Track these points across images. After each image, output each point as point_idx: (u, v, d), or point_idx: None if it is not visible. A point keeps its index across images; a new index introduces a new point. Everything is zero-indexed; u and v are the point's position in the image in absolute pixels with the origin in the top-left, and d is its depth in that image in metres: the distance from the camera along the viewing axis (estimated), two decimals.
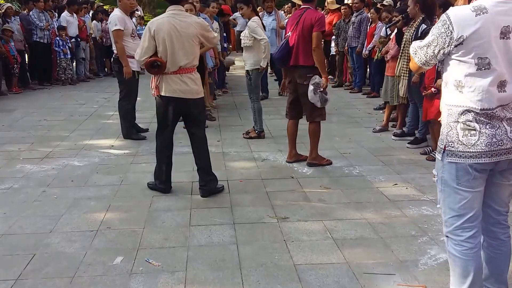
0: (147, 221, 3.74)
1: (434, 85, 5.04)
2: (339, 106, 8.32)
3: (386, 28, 6.95)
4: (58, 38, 10.54)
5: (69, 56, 10.78)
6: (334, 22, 10.39)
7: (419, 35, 5.39)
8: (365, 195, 4.32)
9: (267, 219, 3.78)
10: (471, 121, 2.18)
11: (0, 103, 8.59)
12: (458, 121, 2.22)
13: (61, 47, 10.56)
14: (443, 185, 2.35)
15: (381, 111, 7.50)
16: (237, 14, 16.88)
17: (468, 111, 2.18)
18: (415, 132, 6.03)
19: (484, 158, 2.19)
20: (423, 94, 5.27)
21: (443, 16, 2.16)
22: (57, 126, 6.91)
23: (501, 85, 2.16)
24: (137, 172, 4.92)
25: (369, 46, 8.48)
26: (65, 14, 11.08)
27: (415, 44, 2.35)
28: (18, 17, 10.19)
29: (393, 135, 6.25)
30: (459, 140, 2.21)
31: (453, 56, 2.18)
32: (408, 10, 5.62)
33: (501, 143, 2.17)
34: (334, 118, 7.37)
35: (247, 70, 6.15)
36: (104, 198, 4.21)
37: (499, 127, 2.17)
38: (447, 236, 2.42)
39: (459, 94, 2.20)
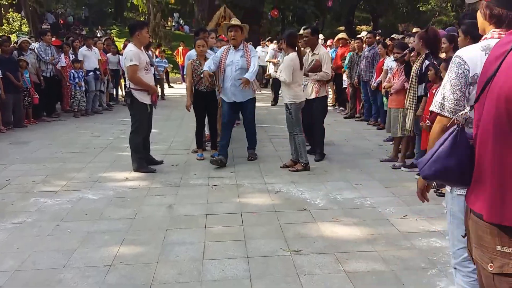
0: (160, 255, 3.76)
1: (429, 117, 5.20)
2: (351, 137, 8.37)
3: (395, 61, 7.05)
4: (73, 71, 10.79)
5: (83, 89, 11.02)
6: (344, 55, 10.64)
7: (423, 70, 5.53)
8: (376, 227, 4.33)
9: (280, 252, 3.78)
10: None
11: (15, 135, 8.74)
12: None
13: (76, 80, 10.79)
14: (452, 217, 2.39)
15: (390, 143, 7.53)
16: (259, 48, 17.35)
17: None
18: None
19: None
20: (420, 124, 5.54)
21: (456, 59, 2.18)
22: (72, 158, 6.99)
23: None
24: (151, 205, 4.95)
25: (378, 79, 8.58)
26: (83, 48, 11.43)
27: (437, 102, 2.26)
28: (33, 50, 10.45)
29: (392, 168, 6.36)
30: None
31: (466, 95, 2.21)
32: (414, 46, 5.81)
33: None
34: (346, 149, 7.42)
35: (286, 104, 6.21)
36: (118, 232, 4.23)
37: None
38: (455, 268, 2.46)
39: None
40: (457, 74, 2.16)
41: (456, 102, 2.18)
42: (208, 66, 6.44)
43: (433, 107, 2.27)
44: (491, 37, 2.15)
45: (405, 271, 3.47)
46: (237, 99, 6.51)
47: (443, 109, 2.21)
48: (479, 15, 2.24)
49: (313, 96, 6.72)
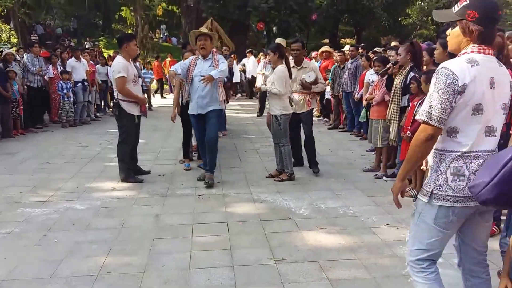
0: (147, 264, 3.81)
1: (409, 129, 5.36)
2: (334, 148, 8.50)
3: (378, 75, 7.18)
4: (61, 82, 10.83)
5: (71, 99, 11.06)
6: (328, 68, 10.95)
7: (407, 82, 5.70)
8: (358, 235, 4.43)
9: (265, 261, 3.85)
10: (461, 167, 2.32)
11: (3, 146, 8.73)
12: (449, 166, 2.34)
13: (65, 91, 10.84)
14: (421, 221, 2.47)
15: (373, 153, 7.66)
16: (245, 60, 17.58)
17: (461, 156, 2.33)
18: None
19: (470, 202, 2.33)
20: (401, 135, 5.68)
21: (443, 70, 2.28)
22: (59, 168, 7.01)
23: (490, 130, 2.35)
24: (138, 215, 5.00)
25: (361, 91, 8.74)
26: (72, 60, 11.52)
27: (424, 111, 2.33)
28: (19, 62, 10.48)
29: (375, 177, 6.50)
30: (448, 185, 2.33)
31: (453, 105, 2.30)
32: (398, 58, 5.97)
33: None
34: (329, 160, 7.55)
35: (275, 115, 6.25)
36: (105, 242, 4.27)
37: (480, 172, 2.32)
38: (410, 265, 2.57)
39: (451, 140, 2.34)
40: (445, 84, 2.25)
41: (443, 112, 2.26)
42: (175, 68, 6.26)
43: (420, 116, 2.33)
44: (471, 51, 2.32)
45: (386, 278, 3.56)
46: (203, 111, 6.09)
47: (430, 118, 2.28)
48: (455, 32, 2.39)
49: (305, 109, 6.68)
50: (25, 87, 10.35)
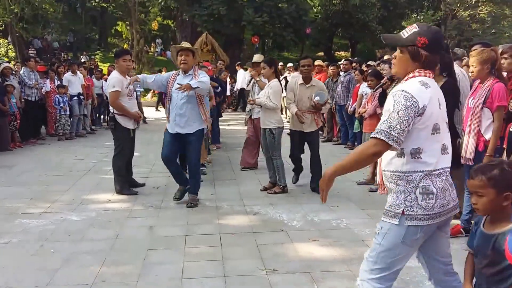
0: (141, 274, 3.88)
1: None
2: (328, 161, 8.56)
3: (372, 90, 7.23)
4: (58, 95, 10.95)
5: (68, 113, 11.17)
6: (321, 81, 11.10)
7: None
8: (351, 247, 4.48)
9: (257, 272, 3.93)
10: (429, 185, 2.41)
11: (1, 159, 8.79)
12: (418, 186, 2.42)
13: (61, 104, 10.95)
14: (384, 240, 2.50)
15: (367, 166, 7.74)
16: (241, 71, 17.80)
17: (427, 175, 2.41)
18: None
19: (438, 218, 2.44)
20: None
21: (401, 92, 2.37)
22: (56, 181, 7.08)
23: (444, 148, 2.49)
24: (133, 226, 5.08)
25: (354, 104, 8.87)
26: (68, 74, 11.65)
27: (382, 130, 2.36)
28: (16, 76, 10.59)
29: (369, 191, 6.59)
30: (419, 204, 2.40)
31: (413, 126, 2.38)
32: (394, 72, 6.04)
33: (448, 203, 2.45)
34: (323, 173, 7.59)
35: (270, 129, 6.32)
36: (100, 252, 4.34)
37: (446, 189, 2.46)
38: (367, 282, 2.57)
39: (416, 161, 2.42)
40: (405, 106, 2.33)
41: (401, 133, 2.33)
42: (144, 75, 6.02)
43: (378, 135, 2.36)
44: (419, 75, 2.46)
45: None
46: (182, 131, 5.72)
47: (389, 138, 2.33)
48: (404, 57, 2.51)
49: (313, 128, 6.49)
50: (23, 100, 10.45)
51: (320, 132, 11.72)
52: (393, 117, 2.34)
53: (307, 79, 6.38)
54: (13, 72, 10.53)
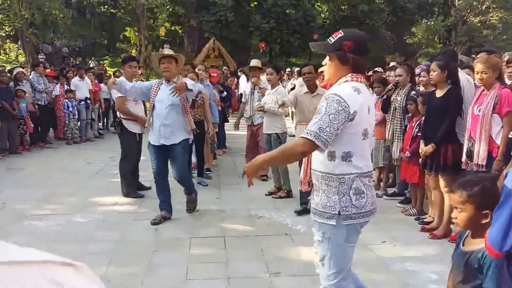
0: (146, 275, 3.95)
1: (408, 149, 5.52)
2: None
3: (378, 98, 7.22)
4: (67, 100, 11.08)
5: (76, 117, 11.29)
6: (327, 88, 11.10)
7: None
8: (354, 251, 4.52)
9: (260, 274, 3.98)
10: (361, 186, 2.54)
11: (10, 161, 8.92)
12: (351, 187, 2.53)
13: (70, 109, 11.08)
14: (331, 244, 2.59)
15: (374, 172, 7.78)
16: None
17: (358, 177, 2.53)
18: (405, 192, 6.30)
19: (369, 216, 2.60)
20: (400, 155, 5.79)
21: (334, 97, 2.45)
22: (63, 184, 7.17)
23: (370, 151, 2.68)
24: (138, 229, 5.15)
25: None
26: (76, 78, 11.77)
27: (312, 131, 2.43)
28: (28, 81, 10.75)
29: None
30: (353, 204, 2.53)
31: (344, 130, 2.48)
32: (399, 79, 6.08)
33: (374, 201, 2.63)
34: None
35: (276, 134, 6.39)
36: (106, 253, 4.42)
37: (372, 188, 2.65)
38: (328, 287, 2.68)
39: (347, 164, 2.53)
40: (337, 111, 2.41)
41: (330, 135, 2.41)
42: (123, 80, 5.53)
43: (308, 135, 2.43)
44: (352, 79, 2.54)
45: None
46: (167, 142, 5.30)
47: (318, 139, 2.40)
48: (333, 62, 2.61)
49: None
50: (36, 107, 10.60)
51: None
52: (324, 120, 2.42)
53: (311, 87, 5.95)
54: (25, 77, 10.69)
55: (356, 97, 2.47)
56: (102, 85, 13.02)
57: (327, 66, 2.67)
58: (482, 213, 2.06)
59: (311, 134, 2.42)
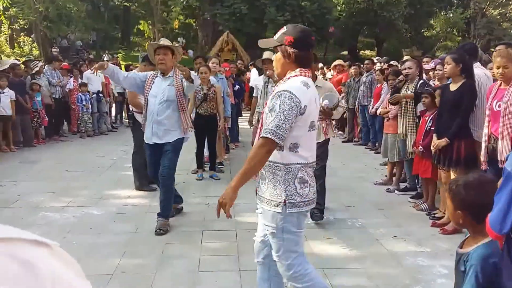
0: (159, 266, 4.02)
1: (421, 143, 5.50)
2: (347, 161, 8.61)
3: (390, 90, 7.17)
4: (80, 94, 11.18)
5: (90, 111, 11.39)
6: (343, 81, 11.06)
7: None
8: (365, 246, 4.55)
9: None
10: (305, 176, 2.64)
11: (24, 155, 9.04)
12: (296, 177, 2.61)
13: (84, 102, 11.18)
14: (285, 233, 2.66)
15: (386, 167, 7.74)
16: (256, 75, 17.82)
17: (303, 167, 2.62)
18: (417, 187, 6.28)
19: (311, 204, 2.70)
20: (413, 150, 5.76)
21: (286, 93, 2.52)
22: (78, 176, 7.26)
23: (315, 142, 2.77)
24: (151, 221, 5.16)
25: (376, 104, 8.81)
26: (88, 71, 11.82)
27: (270, 130, 2.50)
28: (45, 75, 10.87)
29: (386, 191, 6.54)
30: (297, 193, 2.62)
31: (295, 123, 2.56)
32: (410, 72, 6.06)
33: (315, 191, 2.74)
34: (341, 172, 7.64)
35: None
36: (119, 245, 4.49)
37: (313, 178, 2.73)
38: (292, 277, 2.72)
39: (294, 154, 2.62)
40: (290, 107, 2.50)
41: (286, 131, 2.52)
42: (116, 67, 4.87)
43: (268, 135, 2.50)
44: (300, 74, 2.61)
45: (389, 286, 3.70)
46: (160, 141, 4.91)
47: (276, 136, 2.49)
48: (277, 56, 2.71)
49: (321, 139, 5.05)
50: (53, 100, 10.72)
51: (340, 132, 11.70)
52: (279, 117, 2.50)
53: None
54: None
55: (306, 92, 2.56)
56: None
57: (274, 61, 2.77)
58: (456, 212, 2.08)
59: (270, 133, 2.50)
